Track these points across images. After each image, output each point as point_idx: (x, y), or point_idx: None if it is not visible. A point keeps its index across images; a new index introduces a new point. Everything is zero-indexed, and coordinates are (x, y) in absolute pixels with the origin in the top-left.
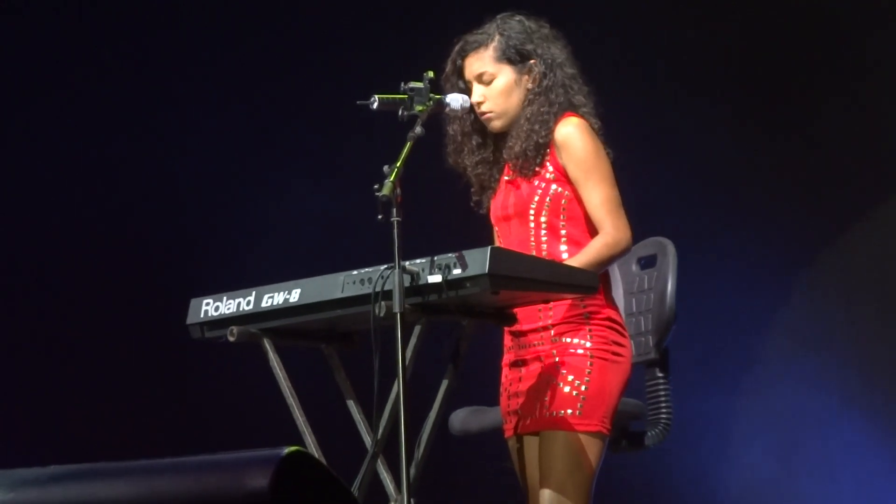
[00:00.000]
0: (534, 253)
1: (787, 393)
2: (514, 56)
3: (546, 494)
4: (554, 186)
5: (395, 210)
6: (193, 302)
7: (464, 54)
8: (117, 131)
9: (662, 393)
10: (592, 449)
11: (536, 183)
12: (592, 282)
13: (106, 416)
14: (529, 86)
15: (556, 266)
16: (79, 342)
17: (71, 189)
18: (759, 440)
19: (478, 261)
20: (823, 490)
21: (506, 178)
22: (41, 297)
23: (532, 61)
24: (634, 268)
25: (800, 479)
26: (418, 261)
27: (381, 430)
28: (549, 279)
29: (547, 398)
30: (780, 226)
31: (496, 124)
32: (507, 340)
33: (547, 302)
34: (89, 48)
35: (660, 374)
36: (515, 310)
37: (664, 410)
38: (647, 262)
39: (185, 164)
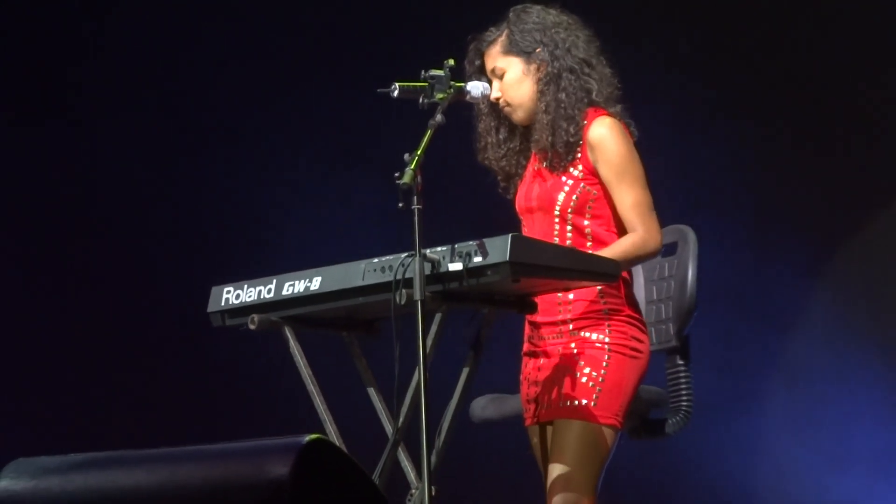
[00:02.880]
0: None
1: (810, 380)
2: (519, 48)
3: (554, 480)
4: (583, 185)
5: (415, 198)
6: (214, 290)
7: (480, 52)
8: (144, 125)
9: (683, 380)
10: (605, 440)
11: (564, 179)
12: (613, 269)
13: (127, 404)
14: (539, 75)
15: (577, 254)
16: (102, 330)
17: (93, 178)
18: (777, 428)
19: (499, 248)
20: (847, 478)
21: (534, 166)
22: (66, 284)
23: (537, 50)
24: None
25: (821, 468)
26: (439, 248)
27: (401, 418)
28: (570, 266)
29: (564, 388)
30: (801, 213)
31: (517, 116)
32: (527, 330)
33: (568, 290)
34: (111, 51)
35: (680, 362)
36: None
37: (685, 398)
38: (668, 250)
39: (206, 154)
